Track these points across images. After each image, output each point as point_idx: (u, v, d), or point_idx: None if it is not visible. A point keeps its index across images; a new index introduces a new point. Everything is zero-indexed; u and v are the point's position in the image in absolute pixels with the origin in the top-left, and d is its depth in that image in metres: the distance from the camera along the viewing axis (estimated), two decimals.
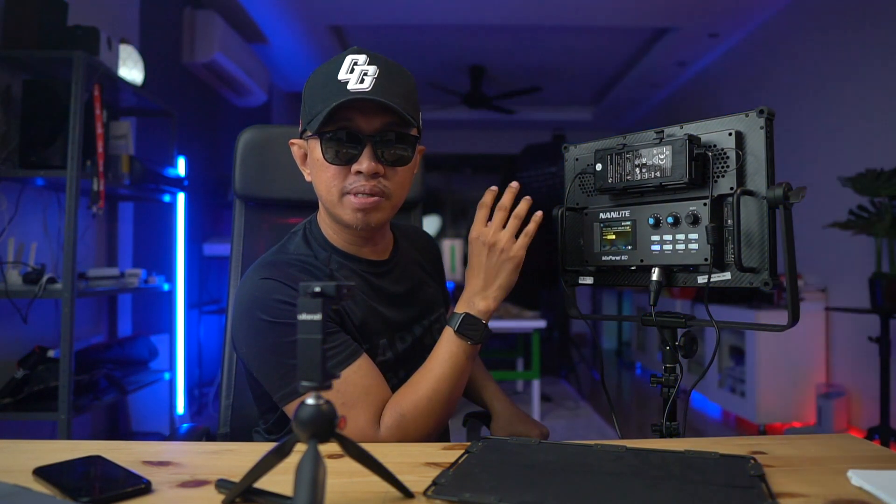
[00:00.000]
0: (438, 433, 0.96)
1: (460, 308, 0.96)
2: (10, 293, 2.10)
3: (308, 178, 1.01)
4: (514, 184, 0.95)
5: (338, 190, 0.93)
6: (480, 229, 0.96)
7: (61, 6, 2.26)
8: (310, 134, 0.95)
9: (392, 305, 1.03)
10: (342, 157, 0.92)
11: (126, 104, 2.80)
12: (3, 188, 2.24)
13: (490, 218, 0.97)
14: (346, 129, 0.91)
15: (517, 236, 0.95)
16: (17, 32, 2.17)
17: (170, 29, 3.81)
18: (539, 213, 0.96)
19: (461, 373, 0.94)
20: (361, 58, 0.92)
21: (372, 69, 0.91)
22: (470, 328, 0.93)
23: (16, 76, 2.26)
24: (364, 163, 0.91)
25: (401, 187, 0.97)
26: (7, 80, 2.24)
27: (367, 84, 0.90)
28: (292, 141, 1.03)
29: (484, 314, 0.94)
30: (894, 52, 3.21)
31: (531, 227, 0.96)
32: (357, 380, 0.89)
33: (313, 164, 0.96)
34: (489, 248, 0.94)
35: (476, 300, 0.95)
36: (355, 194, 0.93)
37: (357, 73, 0.91)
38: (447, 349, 0.93)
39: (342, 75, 0.91)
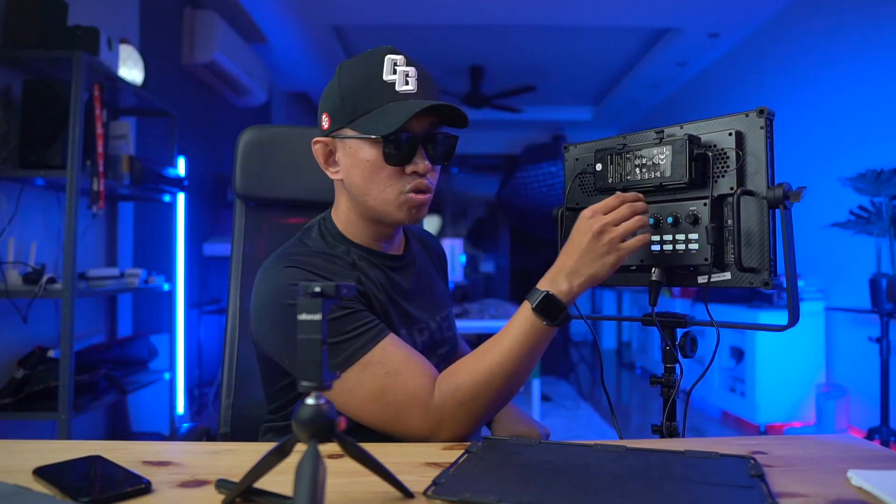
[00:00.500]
0: (494, 414, 0.94)
1: (543, 285, 0.89)
2: (10, 293, 2.10)
3: (336, 177, 1.00)
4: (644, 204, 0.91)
5: (395, 190, 0.94)
6: (598, 210, 0.89)
7: (61, 6, 2.26)
8: (353, 134, 0.94)
9: (409, 300, 1.04)
10: (399, 158, 0.93)
11: (126, 104, 2.80)
12: (3, 188, 2.23)
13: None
14: (404, 131, 0.92)
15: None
16: (17, 32, 2.17)
17: (170, 29, 3.81)
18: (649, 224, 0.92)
19: (531, 353, 0.88)
20: (399, 58, 0.94)
21: (412, 70, 0.94)
22: (549, 307, 0.87)
23: (16, 76, 2.26)
24: (421, 164, 0.94)
25: (435, 183, 1.00)
26: (7, 80, 2.24)
27: (412, 86, 0.93)
28: (317, 139, 1.00)
29: (566, 296, 0.88)
30: (894, 51, 3.21)
31: (646, 236, 0.90)
32: (395, 349, 0.88)
33: (358, 163, 0.95)
34: (597, 233, 0.87)
35: (560, 279, 0.88)
36: (415, 192, 0.95)
37: (400, 74, 0.93)
38: (521, 325, 0.88)
39: (387, 76, 0.93)
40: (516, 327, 0.88)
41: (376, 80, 0.93)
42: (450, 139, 0.98)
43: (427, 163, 0.94)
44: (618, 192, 0.91)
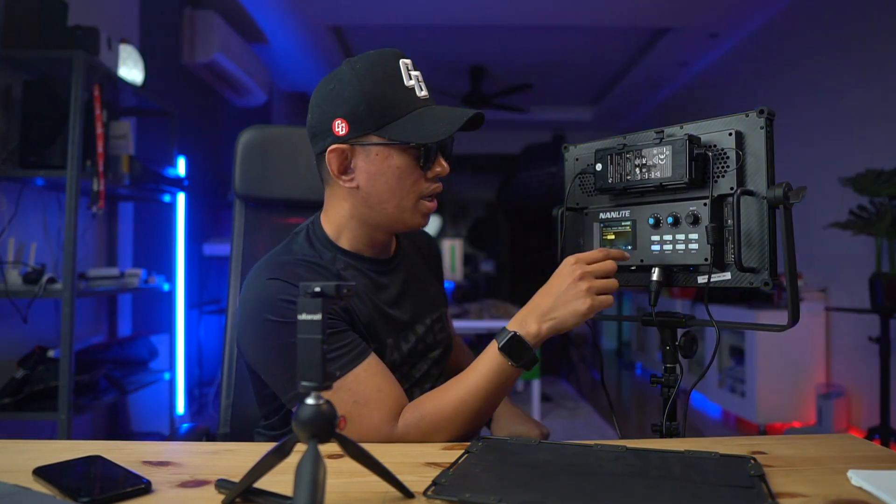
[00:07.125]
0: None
1: (512, 325, 0.90)
2: (10, 293, 2.10)
3: (350, 185, 0.96)
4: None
5: (415, 195, 0.96)
6: (583, 259, 0.91)
7: (61, 6, 2.26)
8: (380, 140, 0.93)
9: (396, 305, 1.03)
10: (429, 163, 0.96)
11: (126, 104, 2.80)
12: (3, 188, 2.23)
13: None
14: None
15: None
16: (17, 32, 2.17)
17: (170, 29, 3.81)
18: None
19: (496, 391, 0.89)
20: (409, 62, 0.96)
21: (419, 74, 0.97)
22: (516, 348, 0.88)
23: (16, 76, 2.26)
24: (442, 165, 0.97)
25: None
26: (7, 80, 2.24)
27: (425, 91, 0.96)
28: (333, 147, 0.93)
29: (533, 338, 0.89)
30: (894, 52, 3.21)
31: (611, 298, 0.91)
32: (368, 378, 0.88)
33: (385, 171, 0.94)
34: (577, 278, 0.89)
35: (530, 321, 0.89)
36: (429, 198, 0.98)
37: (415, 79, 0.95)
38: (488, 364, 0.89)
39: (407, 82, 0.94)
40: (483, 365, 0.90)
41: (399, 86, 0.93)
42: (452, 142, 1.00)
43: (446, 164, 0.97)
44: (602, 249, 0.95)
